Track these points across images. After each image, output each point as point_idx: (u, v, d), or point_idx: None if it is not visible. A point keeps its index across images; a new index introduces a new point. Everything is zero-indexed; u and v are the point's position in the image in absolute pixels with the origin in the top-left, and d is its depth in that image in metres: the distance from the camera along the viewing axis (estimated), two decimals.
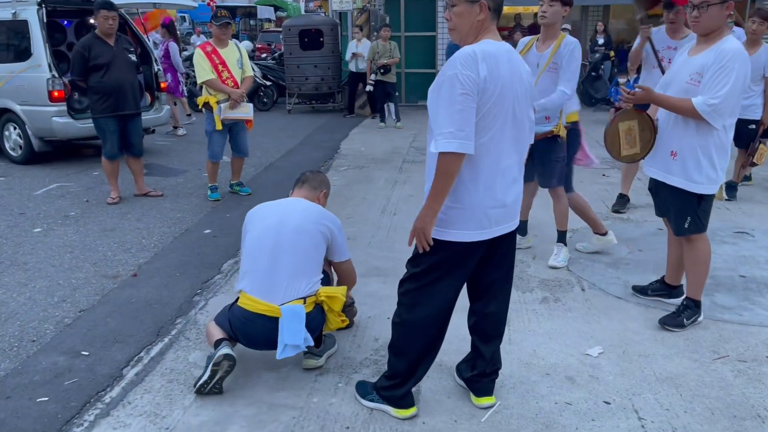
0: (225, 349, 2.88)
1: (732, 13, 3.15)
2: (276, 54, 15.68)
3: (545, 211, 4.96)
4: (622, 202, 5.69)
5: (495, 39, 2.41)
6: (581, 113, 4.43)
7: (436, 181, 2.35)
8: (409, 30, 13.03)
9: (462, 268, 2.55)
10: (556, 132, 4.08)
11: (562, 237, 4.46)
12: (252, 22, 34.34)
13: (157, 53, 9.29)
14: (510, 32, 11.93)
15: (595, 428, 2.65)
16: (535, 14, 13.46)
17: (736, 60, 2.99)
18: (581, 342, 3.35)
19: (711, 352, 3.23)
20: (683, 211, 3.30)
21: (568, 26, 12.05)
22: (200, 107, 6.14)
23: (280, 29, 16.96)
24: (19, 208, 6.08)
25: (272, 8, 32.76)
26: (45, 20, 7.45)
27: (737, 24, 7.18)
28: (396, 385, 2.69)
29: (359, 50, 11.37)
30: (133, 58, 6.22)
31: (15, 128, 7.82)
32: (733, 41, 3.06)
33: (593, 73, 12.19)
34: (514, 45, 3.84)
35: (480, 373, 2.77)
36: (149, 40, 9.23)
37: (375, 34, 11.71)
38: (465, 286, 2.69)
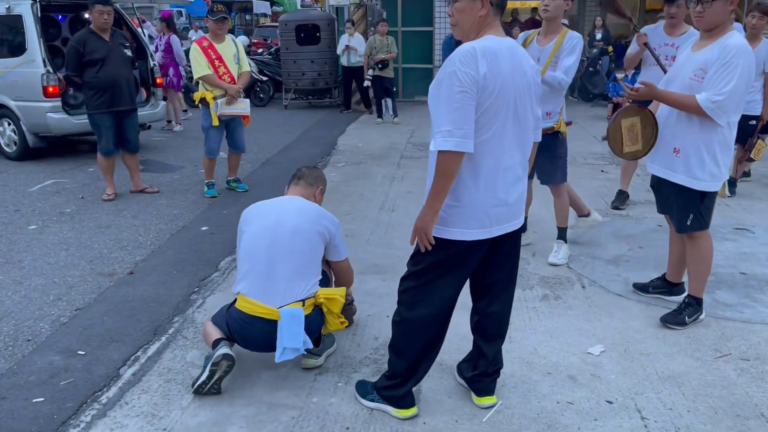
0: (224, 349, 2.84)
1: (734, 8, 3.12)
2: (272, 49, 15.61)
3: (545, 208, 4.93)
4: (622, 199, 5.67)
5: (498, 35, 2.37)
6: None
7: (435, 179, 2.32)
8: (406, 25, 12.98)
9: (463, 267, 2.52)
10: (557, 128, 4.05)
11: (562, 234, 4.43)
12: (248, 17, 34.22)
13: (152, 48, 9.22)
14: (508, 27, 11.89)
15: (598, 428, 2.62)
16: (533, 9, 13.44)
17: (741, 56, 2.96)
18: (582, 340, 3.33)
19: (713, 350, 3.21)
20: (686, 208, 3.27)
21: (566, 21, 12.00)
22: (196, 103, 6.08)
23: (276, 24, 16.88)
24: (13, 204, 6.03)
25: (268, 3, 32.65)
26: (39, 15, 7.38)
27: (736, 19, 7.15)
28: (396, 385, 2.66)
29: (352, 44, 11.32)
30: (129, 53, 6.16)
31: (9, 124, 7.75)
32: (737, 37, 3.03)
33: (591, 69, 12.16)
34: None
35: (481, 373, 2.74)
36: (145, 35, 9.14)
37: (372, 29, 11.65)
38: (468, 285, 2.66)
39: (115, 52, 5.91)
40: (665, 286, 3.77)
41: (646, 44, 4.71)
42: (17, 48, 7.45)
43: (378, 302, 3.77)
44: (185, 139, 9.37)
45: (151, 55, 8.32)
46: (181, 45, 10.19)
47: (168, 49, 9.83)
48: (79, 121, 7.30)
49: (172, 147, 8.84)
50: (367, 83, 11.05)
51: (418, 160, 7.80)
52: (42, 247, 4.91)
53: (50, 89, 7.24)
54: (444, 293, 2.52)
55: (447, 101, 2.25)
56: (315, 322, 2.97)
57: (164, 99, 9.37)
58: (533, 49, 4.08)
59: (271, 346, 2.87)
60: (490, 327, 2.70)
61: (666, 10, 4.89)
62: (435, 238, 2.41)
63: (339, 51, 11.59)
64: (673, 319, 3.42)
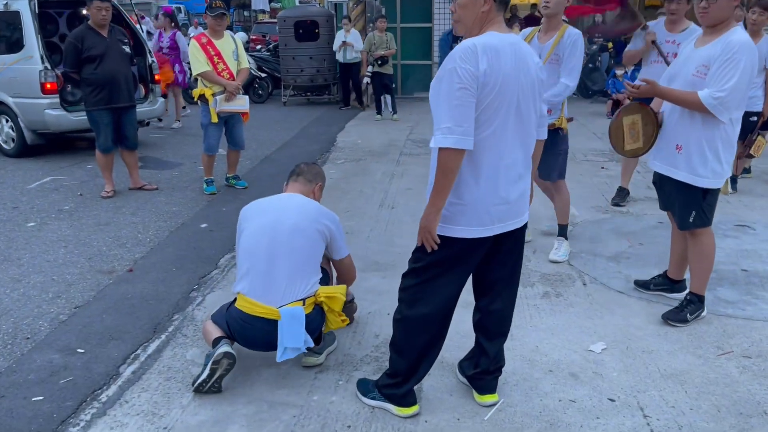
0: (224, 347, 2.83)
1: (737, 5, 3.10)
2: (271, 45, 15.56)
3: (546, 204, 4.92)
4: (622, 195, 5.65)
5: (500, 31, 2.35)
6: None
7: (436, 177, 2.30)
8: (405, 21, 12.94)
9: (464, 264, 2.51)
10: (558, 125, 4.03)
11: (562, 231, 4.43)
12: (246, 13, 34.12)
13: (151, 44, 9.18)
14: (507, 24, 11.86)
15: (600, 426, 2.61)
16: (533, 5, 13.40)
17: (744, 52, 2.94)
18: (584, 338, 3.32)
19: (715, 347, 3.20)
20: (688, 205, 3.26)
21: (566, 17, 11.98)
22: (195, 99, 6.06)
23: (275, 20, 16.82)
24: (12, 202, 6.00)
25: None
26: (37, 11, 7.34)
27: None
28: (398, 383, 2.65)
29: (348, 39, 11.30)
30: (127, 49, 6.12)
31: (7, 121, 7.72)
32: (740, 32, 3.01)
33: (590, 65, 12.13)
34: None
35: (483, 371, 2.73)
36: (143, 31, 9.10)
37: (371, 25, 11.62)
38: (470, 282, 2.65)
39: (113, 48, 5.88)
40: (667, 283, 3.76)
41: (654, 42, 4.69)
42: (15, 44, 7.42)
43: (378, 300, 3.75)
44: (184, 136, 9.33)
45: (150, 52, 8.28)
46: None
47: (173, 46, 9.77)
48: (78, 118, 7.27)
49: (171, 144, 8.81)
50: (366, 80, 11.02)
51: (418, 157, 7.79)
52: (40, 244, 4.89)
53: (48, 86, 7.21)
54: (445, 291, 2.51)
55: (447, 98, 2.24)
56: (315, 321, 2.95)
57: (164, 96, 9.36)
58: (534, 46, 4.06)
59: (271, 346, 2.85)
60: (492, 325, 2.69)
61: (666, 6, 4.87)
62: (437, 236, 2.39)
63: (335, 47, 11.56)
64: (675, 317, 3.41)
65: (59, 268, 4.42)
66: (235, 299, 2.98)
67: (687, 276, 3.62)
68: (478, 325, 2.73)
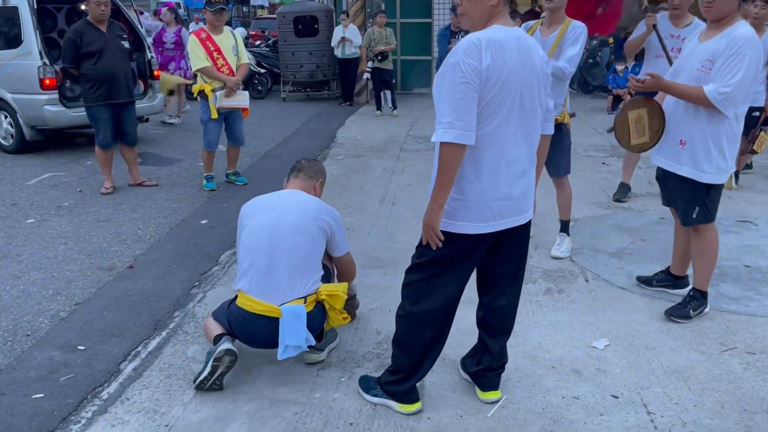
0: (226, 344, 2.81)
1: None
2: (270, 41, 15.51)
3: (547, 200, 4.89)
4: (624, 191, 5.64)
5: (506, 25, 2.33)
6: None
7: (437, 173, 2.28)
8: (405, 16, 12.89)
9: (467, 261, 2.49)
10: (560, 120, 4.01)
11: (564, 227, 4.41)
12: (245, 8, 34.05)
13: (150, 40, 9.13)
14: None
15: (604, 423, 2.60)
16: (533, 0, 13.35)
17: (749, 46, 2.92)
18: (587, 334, 3.31)
19: (718, 344, 3.19)
20: (691, 200, 3.24)
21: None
22: (195, 95, 6.03)
23: (274, 16, 16.77)
24: (11, 198, 5.98)
25: None
26: (35, 6, 7.30)
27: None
28: (400, 380, 2.64)
29: (347, 35, 11.27)
30: (126, 45, 6.09)
31: (6, 117, 7.69)
32: (745, 27, 2.98)
33: (590, 60, 12.09)
34: None
35: (486, 368, 2.72)
36: (142, 26, 9.06)
37: (371, 20, 11.58)
38: (474, 279, 2.63)
39: (112, 43, 5.84)
40: (669, 279, 3.74)
41: (654, 26, 4.63)
42: (13, 40, 7.38)
43: (380, 296, 3.74)
44: (184, 132, 9.31)
45: (149, 47, 8.25)
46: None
47: (179, 41, 9.72)
48: (77, 114, 7.24)
49: (171, 140, 8.78)
50: (366, 75, 10.99)
51: (418, 152, 7.76)
52: (40, 241, 4.87)
53: (47, 82, 7.18)
54: (448, 287, 2.49)
55: (449, 92, 2.22)
56: (317, 319, 2.93)
57: (170, 93, 9.35)
58: (536, 39, 4.03)
59: (273, 343, 2.83)
60: (496, 322, 2.67)
61: (669, 1, 4.84)
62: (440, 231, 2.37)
63: (333, 43, 11.53)
64: (678, 313, 3.40)
65: (59, 265, 4.40)
66: (236, 297, 2.96)
67: (690, 272, 3.61)
68: (481, 322, 2.71)
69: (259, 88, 12.78)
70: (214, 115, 5.85)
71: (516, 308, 2.71)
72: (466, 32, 8.37)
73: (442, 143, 2.24)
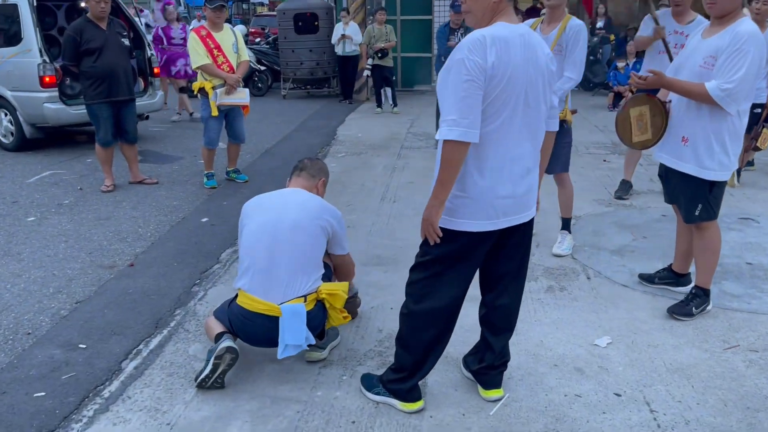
0: (227, 342, 2.80)
1: None
2: (270, 38, 15.49)
3: (548, 198, 4.89)
4: (625, 188, 5.62)
5: (510, 21, 2.31)
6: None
7: (440, 169, 2.27)
8: (405, 13, 12.87)
9: (470, 259, 2.48)
10: (562, 117, 4.00)
11: (566, 224, 4.40)
12: (245, 5, 34.00)
13: (150, 37, 9.12)
14: None
15: (607, 421, 2.59)
16: None
17: (752, 43, 2.90)
18: (589, 332, 3.30)
19: (721, 341, 3.18)
20: (694, 198, 3.23)
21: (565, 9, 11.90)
22: (195, 93, 6.01)
23: (274, 13, 16.74)
24: (11, 196, 5.97)
25: None
26: (35, 3, 7.28)
27: None
28: (403, 379, 2.63)
29: (347, 32, 11.24)
30: (126, 42, 6.08)
31: (6, 115, 7.68)
32: (748, 23, 2.97)
33: (591, 57, 12.07)
34: None
35: (488, 366, 2.71)
36: (142, 23, 9.04)
37: (371, 18, 11.56)
38: (477, 277, 2.62)
39: (112, 41, 5.83)
40: (672, 276, 3.73)
41: (663, 39, 4.64)
42: (13, 37, 7.36)
43: (381, 294, 3.73)
44: (184, 130, 9.30)
45: (149, 45, 8.23)
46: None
47: (186, 38, 9.70)
48: (77, 112, 7.24)
49: (171, 137, 8.77)
50: (366, 73, 10.97)
51: (419, 150, 7.75)
52: (41, 239, 4.86)
53: (47, 79, 7.16)
54: (452, 286, 2.48)
55: (454, 89, 2.20)
56: (317, 318, 2.93)
57: (182, 90, 9.33)
58: None
59: (273, 342, 2.83)
60: (499, 320, 2.66)
61: None
62: (442, 229, 2.36)
63: (334, 40, 11.51)
64: (680, 310, 3.39)
65: (60, 263, 4.40)
66: (237, 295, 2.95)
67: (692, 269, 3.60)
68: (483, 320, 2.70)
69: (260, 85, 12.76)
70: (215, 113, 5.83)
71: (519, 306, 2.70)
72: (466, 29, 8.38)
73: (445, 140, 2.22)
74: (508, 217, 2.42)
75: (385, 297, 3.68)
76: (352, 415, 2.65)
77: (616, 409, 2.67)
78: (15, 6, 7.28)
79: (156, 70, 8.32)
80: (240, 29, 15.69)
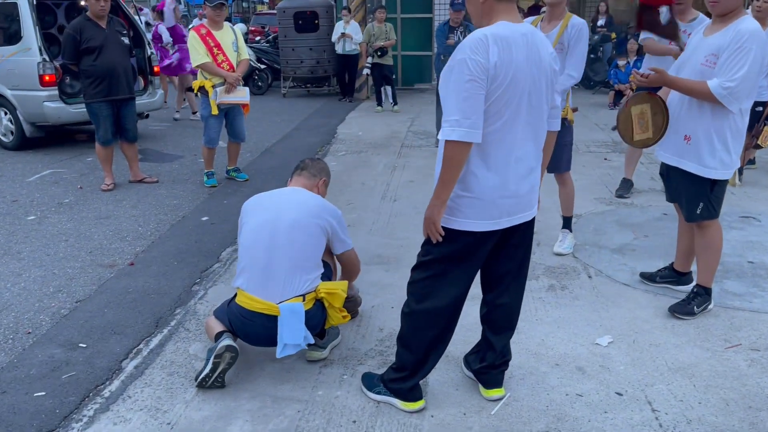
0: (227, 341, 2.80)
1: None
2: (270, 37, 15.47)
3: (549, 197, 4.88)
4: (626, 187, 5.61)
5: (512, 20, 2.29)
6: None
7: (442, 170, 2.27)
8: (405, 12, 12.85)
9: (472, 258, 2.47)
10: (563, 116, 3.99)
11: (567, 223, 4.39)
12: (245, 4, 33.98)
13: (149, 36, 9.10)
14: None
15: (608, 421, 2.59)
16: None
17: (754, 40, 2.89)
18: (590, 331, 3.29)
19: (723, 340, 3.17)
20: (696, 196, 3.22)
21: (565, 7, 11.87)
22: (195, 91, 6.00)
23: (274, 11, 16.71)
24: (11, 195, 5.96)
25: None
26: (35, 2, 7.27)
27: None
28: (404, 378, 2.62)
29: (347, 31, 11.22)
30: (126, 41, 6.07)
31: (6, 113, 7.67)
32: (750, 21, 2.95)
33: (592, 55, 12.05)
34: None
35: (489, 365, 2.70)
36: (141, 22, 9.03)
37: (371, 16, 11.54)
38: (478, 275, 2.61)
39: (112, 39, 5.82)
40: (673, 275, 3.72)
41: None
42: (13, 36, 7.35)
43: (382, 293, 3.72)
44: (184, 128, 9.29)
45: (149, 43, 8.22)
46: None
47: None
48: (77, 111, 7.23)
49: (171, 136, 8.76)
50: (365, 71, 10.95)
51: (419, 148, 7.74)
52: (41, 238, 4.86)
53: (47, 78, 7.16)
54: (454, 285, 2.47)
55: (456, 90, 2.20)
56: (316, 317, 2.92)
57: (189, 89, 9.33)
58: None
59: (273, 341, 2.82)
60: (500, 319, 2.66)
61: None
62: (444, 228, 2.36)
63: (334, 38, 11.49)
64: (682, 309, 3.38)
65: (60, 262, 4.39)
66: (236, 295, 2.95)
67: (693, 268, 3.59)
68: (485, 319, 2.70)
69: (260, 84, 12.74)
70: (215, 111, 5.82)
71: (520, 305, 2.69)
72: (465, 27, 8.33)
73: (447, 141, 2.22)
74: (511, 216, 2.41)
75: (386, 296, 3.67)
76: (353, 415, 2.64)
77: (618, 408, 2.66)
78: (15, 4, 7.27)
79: (156, 69, 8.31)
80: (240, 27, 15.70)
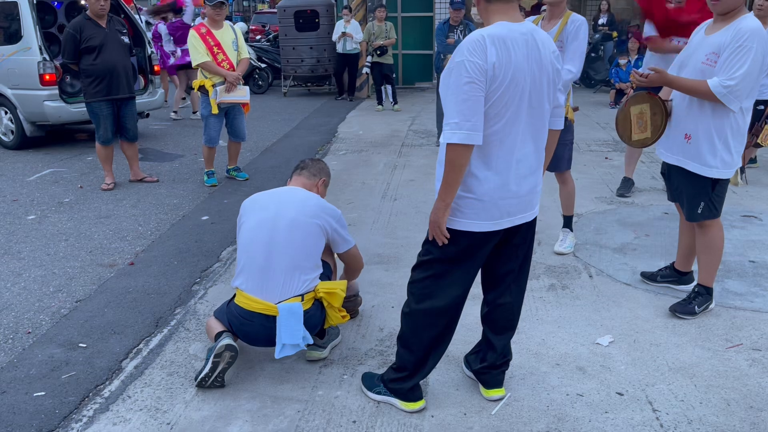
0: (226, 340, 2.79)
1: None
2: (270, 36, 15.46)
3: (549, 196, 4.88)
4: (627, 186, 5.61)
5: (512, 20, 2.28)
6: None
7: (445, 172, 2.26)
8: (406, 11, 12.82)
9: (473, 258, 2.46)
10: (564, 114, 3.97)
11: (567, 222, 4.38)
12: (245, 2, 33.96)
13: (149, 35, 9.09)
14: None
15: (609, 420, 2.58)
16: None
17: (755, 39, 2.88)
18: (591, 330, 3.28)
19: (724, 340, 3.17)
20: (697, 196, 3.21)
21: (566, 6, 11.85)
22: (195, 90, 5.99)
23: (274, 10, 16.70)
24: (11, 194, 5.96)
25: None
26: (35, 1, 7.27)
27: None
28: (404, 378, 2.62)
29: (348, 30, 11.21)
30: (126, 40, 6.06)
31: (6, 113, 7.67)
32: (751, 19, 2.94)
33: (593, 54, 12.04)
34: None
35: (490, 365, 2.70)
36: (142, 21, 9.02)
37: (371, 15, 11.52)
38: (479, 275, 2.61)
39: (112, 39, 5.81)
40: (674, 275, 3.71)
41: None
42: (13, 35, 7.35)
43: (382, 293, 3.72)
44: (184, 128, 9.28)
45: (149, 42, 8.21)
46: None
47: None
48: (77, 110, 7.23)
49: (171, 135, 8.76)
50: (365, 70, 10.94)
51: (420, 148, 7.73)
52: (41, 237, 4.85)
53: (47, 77, 7.15)
54: (454, 285, 2.47)
55: (455, 92, 2.19)
56: (315, 317, 2.91)
57: (191, 88, 9.33)
58: None
59: (272, 341, 2.82)
60: (501, 319, 2.65)
61: None
62: (446, 229, 2.35)
63: (334, 38, 11.48)
64: (683, 309, 3.37)
65: (60, 262, 4.39)
66: (235, 295, 2.94)
67: (695, 268, 3.58)
68: (485, 319, 2.69)
69: (260, 83, 12.74)
70: (215, 111, 5.82)
71: (521, 305, 2.69)
72: (465, 26, 8.30)
73: (449, 144, 2.21)
74: (512, 216, 2.41)
75: (386, 295, 3.67)
76: (353, 415, 2.64)
77: (619, 408, 2.66)
78: (15, 4, 7.26)
79: (156, 68, 8.30)
80: (240, 26, 15.69)
